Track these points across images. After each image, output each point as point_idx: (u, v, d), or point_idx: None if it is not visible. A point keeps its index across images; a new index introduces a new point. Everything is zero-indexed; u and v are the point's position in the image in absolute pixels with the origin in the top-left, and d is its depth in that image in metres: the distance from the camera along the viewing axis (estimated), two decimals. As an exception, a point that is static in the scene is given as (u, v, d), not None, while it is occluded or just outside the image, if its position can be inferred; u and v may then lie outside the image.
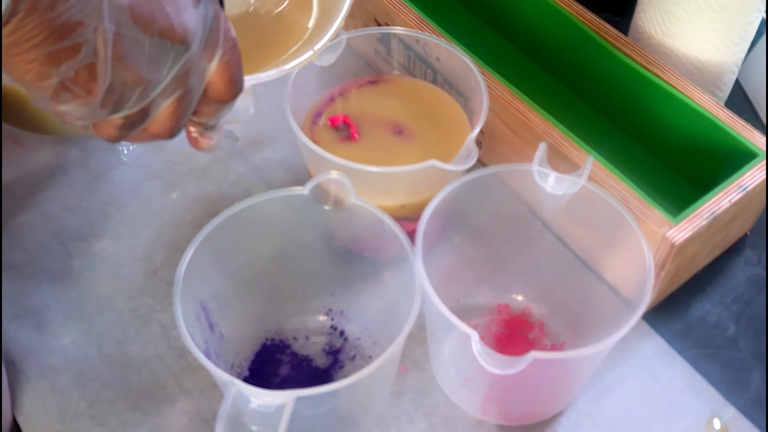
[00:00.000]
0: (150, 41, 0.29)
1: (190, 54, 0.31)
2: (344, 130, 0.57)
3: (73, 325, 0.53)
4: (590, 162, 0.47)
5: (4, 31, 0.26)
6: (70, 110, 0.30)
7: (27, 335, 0.53)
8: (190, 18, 0.30)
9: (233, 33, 0.35)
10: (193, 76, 0.33)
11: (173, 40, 0.30)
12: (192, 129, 0.39)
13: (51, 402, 0.50)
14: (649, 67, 0.58)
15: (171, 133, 0.35)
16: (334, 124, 0.57)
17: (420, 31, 0.59)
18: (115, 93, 0.30)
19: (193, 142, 0.39)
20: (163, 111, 0.33)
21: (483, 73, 0.55)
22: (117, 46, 0.28)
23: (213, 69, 0.34)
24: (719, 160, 0.55)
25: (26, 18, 0.26)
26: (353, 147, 0.56)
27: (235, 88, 0.36)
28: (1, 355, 0.51)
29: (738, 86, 0.68)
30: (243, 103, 0.45)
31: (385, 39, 0.61)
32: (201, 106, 0.36)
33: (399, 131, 0.57)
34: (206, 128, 0.39)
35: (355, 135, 0.56)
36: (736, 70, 0.62)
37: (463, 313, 0.52)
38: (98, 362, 0.52)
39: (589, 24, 0.61)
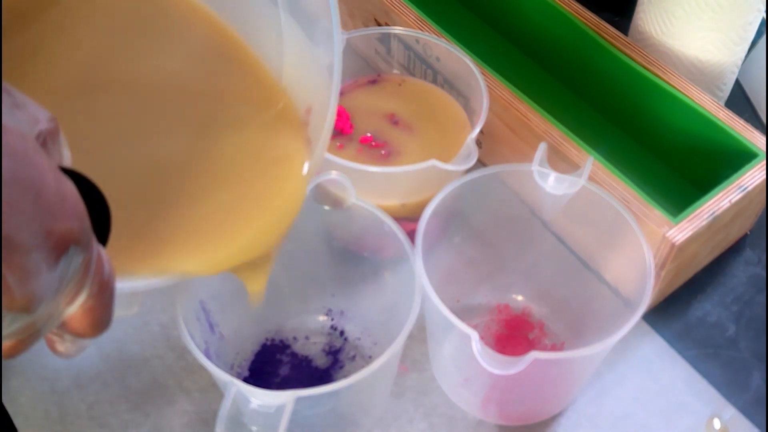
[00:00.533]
0: None
1: (35, 316, 0.27)
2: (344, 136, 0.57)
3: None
4: (590, 162, 0.47)
5: None
6: None
7: (27, 335, 0.53)
8: (38, 285, 0.25)
9: (106, 272, 0.30)
10: (41, 324, 0.28)
11: (10, 309, 0.25)
12: (50, 336, 0.33)
13: (51, 404, 0.50)
14: (649, 67, 0.58)
15: (10, 357, 0.30)
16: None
17: (420, 31, 0.59)
18: None
19: (49, 344, 0.34)
20: (5, 341, 0.29)
21: (483, 73, 0.55)
22: None
23: (72, 312, 0.29)
24: (719, 160, 0.55)
25: None
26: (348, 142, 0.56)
27: (94, 331, 0.31)
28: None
29: (738, 86, 0.68)
30: (127, 300, 0.40)
31: (385, 39, 0.61)
32: (59, 329, 0.31)
33: (395, 122, 0.57)
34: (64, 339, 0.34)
35: (349, 129, 0.56)
36: (736, 70, 0.62)
37: (463, 313, 0.52)
38: (98, 362, 0.52)
39: (589, 24, 0.61)
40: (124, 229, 0.33)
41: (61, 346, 0.33)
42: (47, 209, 0.25)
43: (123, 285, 0.34)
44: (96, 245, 0.29)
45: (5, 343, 0.28)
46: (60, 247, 0.26)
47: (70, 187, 0.27)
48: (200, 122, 0.43)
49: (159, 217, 0.40)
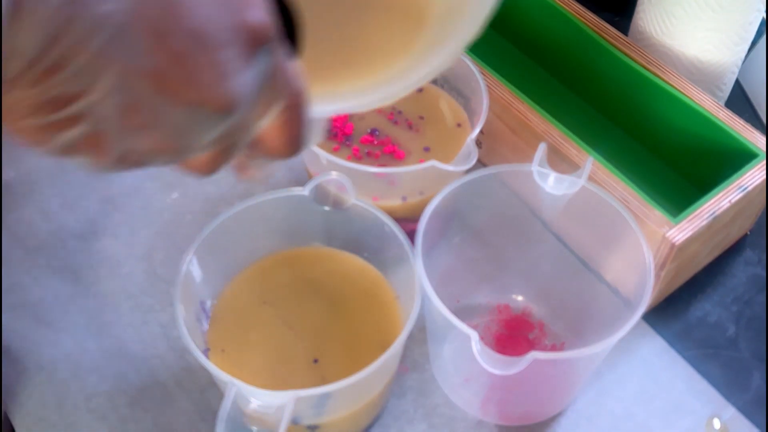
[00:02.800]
0: (179, 111, 0.23)
1: (235, 120, 0.26)
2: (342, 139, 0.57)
3: (71, 320, 0.53)
4: (590, 162, 0.47)
5: None
6: (81, 165, 0.25)
7: (24, 326, 0.53)
8: (236, 83, 0.24)
9: (299, 85, 0.28)
10: (236, 135, 0.27)
11: (211, 109, 0.24)
12: (240, 159, 0.33)
13: (49, 393, 0.50)
14: (649, 67, 0.58)
15: (207, 174, 0.30)
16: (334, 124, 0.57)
17: (420, 31, 0.59)
18: (132, 158, 0.25)
19: (238, 169, 0.34)
20: (200, 156, 0.28)
21: (483, 74, 0.55)
22: (130, 118, 0.23)
23: (265, 125, 0.29)
24: (719, 160, 0.55)
25: (11, 90, 0.21)
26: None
27: (290, 149, 0.30)
28: (0, 348, 0.51)
29: (738, 86, 0.68)
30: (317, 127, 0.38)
31: (385, 39, 0.61)
32: (251, 152, 0.30)
33: (396, 122, 0.57)
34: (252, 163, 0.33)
35: (349, 130, 0.56)
36: (736, 70, 0.62)
37: (463, 313, 0.51)
38: (97, 356, 0.52)
39: (589, 24, 0.61)
40: (317, 49, 0.32)
41: (249, 171, 0.33)
42: (240, 3, 0.24)
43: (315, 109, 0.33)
44: (286, 54, 0.27)
45: (206, 155, 0.28)
46: (251, 44, 0.24)
47: None
48: None
49: (351, 38, 0.37)
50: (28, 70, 0.20)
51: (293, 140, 0.29)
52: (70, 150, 0.23)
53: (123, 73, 0.22)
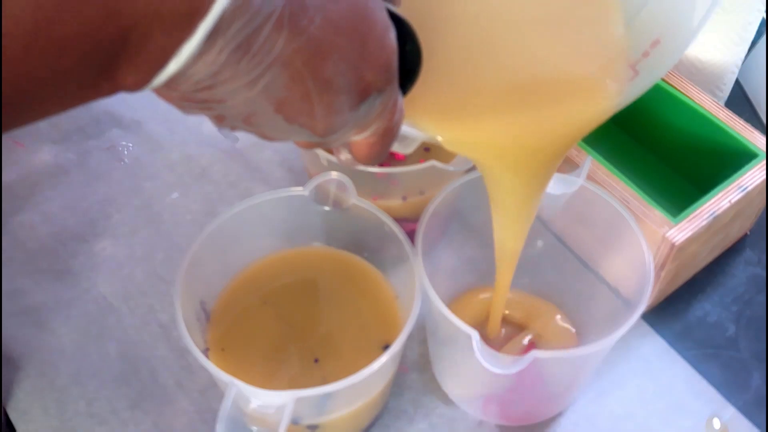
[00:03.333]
0: (287, 126, 0.28)
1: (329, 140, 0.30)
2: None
3: (72, 323, 0.53)
4: (589, 161, 0.47)
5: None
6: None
7: (26, 332, 0.53)
8: (339, 121, 0.28)
9: (395, 122, 0.31)
10: (328, 143, 0.31)
11: (313, 132, 0.29)
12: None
13: (50, 399, 0.50)
14: (649, 67, 0.58)
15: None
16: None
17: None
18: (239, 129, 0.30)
19: (334, 151, 0.41)
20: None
21: (483, 73, 0.55)
22: (249, 120, 0.27)
23: (354, 140, 0.32)
24: (719, 160, 0.55)
25: (169, 89, 0.25)
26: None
27: (368, 162, 0.34)
28: (0, 352, 0.51)
29: (738, 86, 0.68)
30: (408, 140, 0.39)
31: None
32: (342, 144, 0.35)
33: None
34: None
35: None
36: (736, 70, 0.62)
37: (463, 313, 0.52)
38: (98, 360, 0.52)
39: (589, 24, 0.61)
40: (430, 79, 0.34)
41: (340, 155, 0.38)
42: (366, 59, 0.27)
43: (407, 130, 0.36)
44: (396, 92, 0.31)
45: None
46: (365, 94, 0.28)
47: (391, 39, 0.29)
48: None
49: (464, 76, 0.37)
50: (186, 88, 0.25)
51: (371, 157, 0.33)
52: (199, 113, 0.27)
53: (256, 98, 0.26)
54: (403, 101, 0.32)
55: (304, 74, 0.26)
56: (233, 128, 0.29)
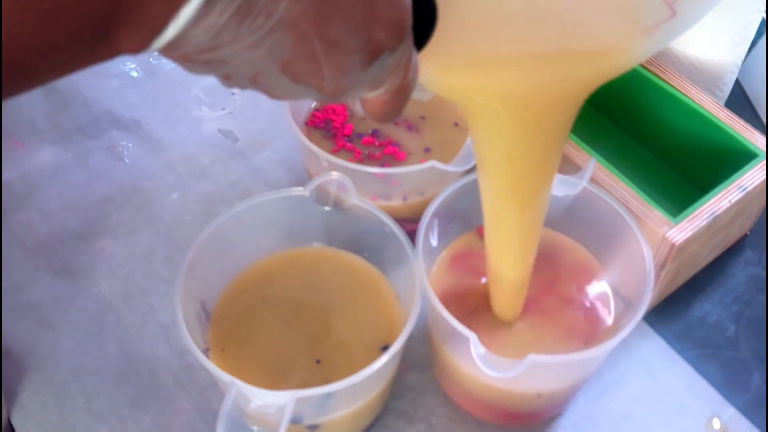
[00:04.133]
0: (294, 86, 0.27)
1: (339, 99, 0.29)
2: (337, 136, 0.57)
3: (71, 321, 0.53)
4: (592, 163, 0.48)
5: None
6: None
7: (24, 327, 0.53)
8: (347, 82, 0.27)
9: (409, 79, 0.30)
10: (339, 100, 0.30)
11: (321, 93, 0.28)
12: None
13: (49, 395, 0.50)
14: (649, 67, 0.58)
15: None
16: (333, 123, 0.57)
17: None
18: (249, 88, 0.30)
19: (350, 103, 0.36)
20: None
21: (483, 73, 0.55)
22: (255, 81, 0.27)
23: (368, 96, 0.31)
24: (719, 160, 0.55)
25: (173, 50, 0.25)
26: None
27: (382, 119, 0.33)
28: (0, 348, 0.51)
29: (738, 86, 0.68)
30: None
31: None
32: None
33: (396, 122, 0.57)
34: None
35: (348, 131, 0.56)
36: (736, 70, 0.62)
37: (463, 313, 0.51)
38: (97, 358, 0.52)
39: (589, 24, 0.61)
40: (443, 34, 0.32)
41: (354, 107, 0.35)
42: (377, 17, 0.26)
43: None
44: (409, 51, 0.29)
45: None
46: (375, 54, 0.27)
47: None
48: None
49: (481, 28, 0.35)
50: (187, 50, 0.24)
51: (385, 115, 0.32)
52: (204, 74, 0.27)
53: (260, 58, 0.25)
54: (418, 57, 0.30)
55: (310, 35, 0.25)
56: (242, 87, 0.28)
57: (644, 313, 0.42)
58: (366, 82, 0.29)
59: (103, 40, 0.22)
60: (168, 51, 0.24)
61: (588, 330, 0.47)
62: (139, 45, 0.22)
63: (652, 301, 0.53)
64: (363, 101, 0.32)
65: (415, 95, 0.35)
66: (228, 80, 0.28)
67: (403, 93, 0.31)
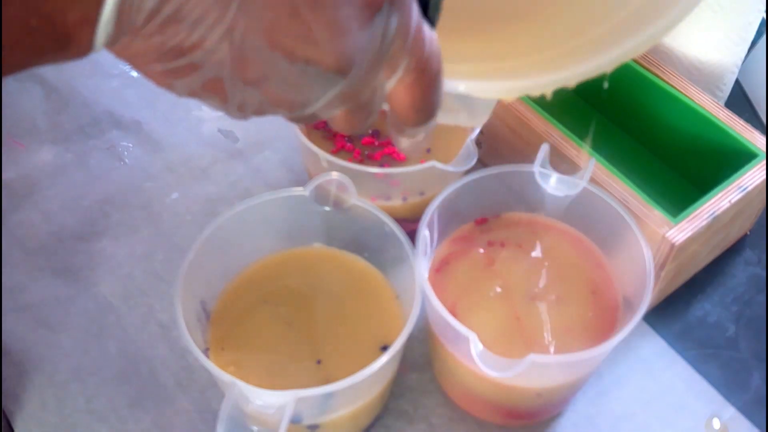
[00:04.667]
0: (292, 67, 0.23)
1: (351, 79, 0.25)
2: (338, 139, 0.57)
3: (71, 321, 0.53)
4: (592, 163, 0.48)
5: (115, 49, 0.23)
6: (211, 106, 0.26)
7: (24, 328, 0.53)
8: (350, 44, 0.23)
9: (429, 47, 0.27)
10: (363, 94, 0.26)
11: (324, 67, 0.24)
12: (393, 132, 0.32)
13: (49, 395, 0.50)
14: (649, 67, 0.58)
15: (350, 132, 0.29)
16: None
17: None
18: (251, 107, 0.25)
19: (393, 140, 0.35)
20: (338, 115, 0.28)
21: (483, 73, 0.55)
22: (243, 70, 0.23)
23: (392, 86, 0.27)
24: (719, 160, 0.55)
25: (132, 41, 0.22)
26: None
27: (416, 115, 0.29)
28: (0, 348, 0.51)
29: (738, 86, 0.68)
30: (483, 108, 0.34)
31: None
32: (398, 124, 0.30)
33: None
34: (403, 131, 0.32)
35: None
36: (736, 70, 0.62)
37: (463, 313, 0.51)
38: (97, 358, 0.52)
39: (589, 24, 0.61)
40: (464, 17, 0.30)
41: (401, 144, 0.33)
42: None
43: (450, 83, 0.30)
44: (416, 13, 0.26)
45: (341, 114, 0.27)
46: (373, 7, 0.24)
47: None
48: None
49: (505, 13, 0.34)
50: (148, 22, 0.21)
51: (417, 105, 0.28)
52: (194, 93, 0.24)
53: (235, 27, 0.22)
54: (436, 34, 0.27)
55: None
56: (243, 110, 0.25)
57: (644, 313, 0.42)
58: (372, 49, 0.25)
59: (54, 34, 0.20)
60: (136, 39, 0.22)
61: (588, 330, 0.47)
62: (87, 18, 0.20)
63: (652, 301, 0.53)
64: (389, 99, 0.28)
65: (466, 121, 0.32)
66: (223, 99, 0.25)
67: (426, 72, 0.27)
